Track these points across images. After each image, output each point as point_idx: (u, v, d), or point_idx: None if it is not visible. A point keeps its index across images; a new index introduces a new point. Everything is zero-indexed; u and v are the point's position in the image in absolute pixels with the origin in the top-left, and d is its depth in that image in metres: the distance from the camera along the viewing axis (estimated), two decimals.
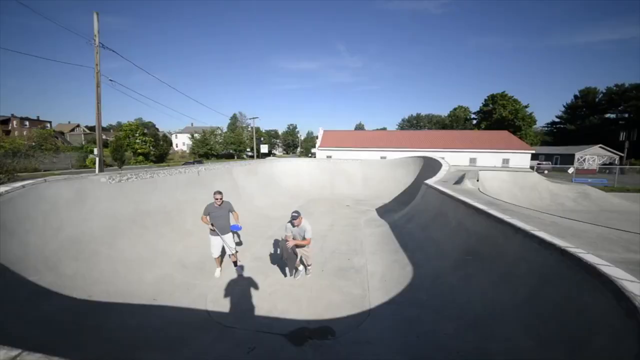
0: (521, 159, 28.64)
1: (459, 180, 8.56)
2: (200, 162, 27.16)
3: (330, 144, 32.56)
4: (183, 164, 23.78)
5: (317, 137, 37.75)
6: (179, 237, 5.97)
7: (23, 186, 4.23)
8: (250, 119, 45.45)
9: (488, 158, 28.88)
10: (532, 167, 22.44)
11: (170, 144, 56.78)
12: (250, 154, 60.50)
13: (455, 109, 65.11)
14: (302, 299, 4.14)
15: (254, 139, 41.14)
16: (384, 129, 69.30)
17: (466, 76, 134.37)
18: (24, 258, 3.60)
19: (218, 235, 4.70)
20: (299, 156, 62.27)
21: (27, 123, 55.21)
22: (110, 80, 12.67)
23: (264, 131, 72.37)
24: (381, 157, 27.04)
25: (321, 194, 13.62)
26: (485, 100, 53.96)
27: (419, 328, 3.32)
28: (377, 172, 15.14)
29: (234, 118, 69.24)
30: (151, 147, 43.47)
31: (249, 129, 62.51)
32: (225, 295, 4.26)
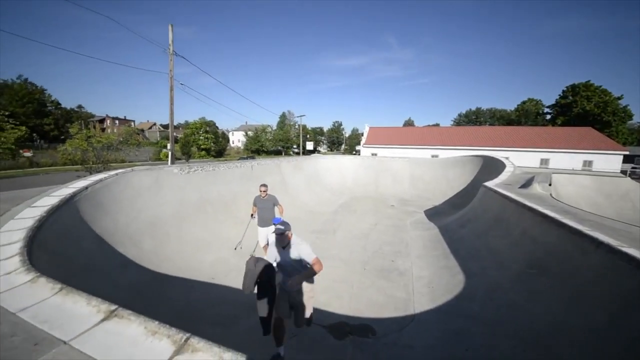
0: (609, 161, 23.78)
1: (526, 184, 7.57)
2: (252, 158, 29.27)
3: (376, 141, 31.69)
4: (238, 159, 25.92)
5: (362, 134, 37.14)
6: (233, 224, 6.56)
7: (116, 174, 5.15)
8: (297, 117, 47.03)
9: (564, 159, 24.69)
10: (624, 172, 18.48)
11: (228, 140, 62.26)
12: (296, 150, 62.63)
13: (524, 103, 57.19)
14: (343, 295, 4.19)
15: (300, 136, 42.44)
16: (437, 125, 64.61)
17: (539, 65, 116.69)
18: (114, 233, 4.39)
19: (263, 226, 4.94)
20: (343, 153, 62.23)
21: (117, 122, 66.19)
22: (181, 84, 14.40)
23: (309, 129, 74.01)
24: (432, 156, 25.35)
25: (365, 191, 13.45)
26: (564, 91, 46.21)
27: (468, 341, 3.09)
28: (427, 171, 14.27)
29: (283, 116, 72.29)
30: (212, 143, 48.18)
31: (296, 126, 64.64)
32: None
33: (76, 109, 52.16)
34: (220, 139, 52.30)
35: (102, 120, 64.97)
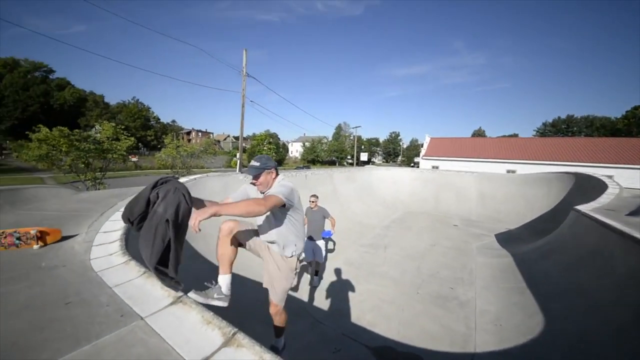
0: None
1: (638, 211, 5.96)
2: (308, 168, 30.60)
3: (438, 153, 29.42)
4: (295, 168, 27.40)
5: (421, 146, 34.96)
6: None
7: (195, 179, 6.00)
8: (352, 128, 47.35)
9: None
10: None
11: (287, 150, 66.45)
12: (350, 161, 62.65)
13: (635, 108, 45.77)
14: (392, 317, 3.94)
15: (355, 147, 42.41)
16: (515, 135, 56.51)
17: None
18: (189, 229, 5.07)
19: (311, 239, 4.71)
20: (400, 165, 59.47)
21: (200, 134, 77.46)
22: (251, 101, 16.13)
23: (364, 139, 73.39)
24: (508, 171, 22.25)
25: (422, 207, 12.52)
26: None
27: None
28: (500, 188, 12.53)
29: (338, 128, 73.69)
30: (274, 153, 52.20)
31: (351, 137, 64.94)
32: (319, 292, 4.58)
33: (170, 123, 63.12)
34: (281, 150, 56.23)
35: (189, 133, 76.88)
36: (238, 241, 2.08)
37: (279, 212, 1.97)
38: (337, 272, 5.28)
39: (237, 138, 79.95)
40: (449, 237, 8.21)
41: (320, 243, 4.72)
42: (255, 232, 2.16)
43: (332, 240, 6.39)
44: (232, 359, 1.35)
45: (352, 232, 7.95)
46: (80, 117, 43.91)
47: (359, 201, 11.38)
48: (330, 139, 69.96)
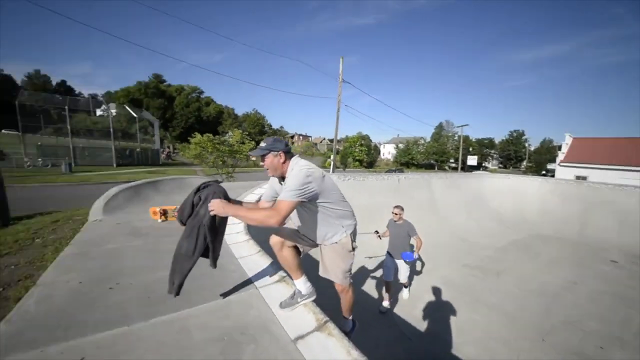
0: None
1: None
2: (401, 171, 29.02)
3: (584, 158, 22.01)
4: (386, 171, 26.58)
5: (558, 148, 26.94)
6: (373, 236, 6.82)
7: None
8: (457, 127, 41.64)
9: None
10: None
11: (379, 152, 65.28)
12: (453, 165, 55.41)
13: None
14: (499, 355, 3.30)
15: (460, 149, 37.11)
16: None
17: None
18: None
19: (392, 257, 4.15)
20: (525, 172, 48.10)
21: (301, 137, 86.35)
22: (345, 105, 16.80)
23: (473, 140, 63.10)
24: None
25: (559, 231, 9.65)
26: None
27: None
28: None
29: (439, 127, 66.47)
30: (365, 155, 52.42)
31: (455, 137, 57.31)
32: (409, 305, 4.33)
33: (279, 129, 72.91)
34: (372, 151, 55.68)
35: (292, 137, 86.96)
36: (293, 245, 1.96)
37: (305, 206, 1.78)
38: (434, 290, 4.80)
39: (331, 140, 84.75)
40: (603, 276, 6.04)
41: (399, 262, 4.09)
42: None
43: (420, 260, 5.81)
44: (322, 345, 1.50)
45: (452, 249, 7.05)
46: (219, 126, 56.94)
47: (463, 213, 9.95)
48: (428, 139, 64.12)
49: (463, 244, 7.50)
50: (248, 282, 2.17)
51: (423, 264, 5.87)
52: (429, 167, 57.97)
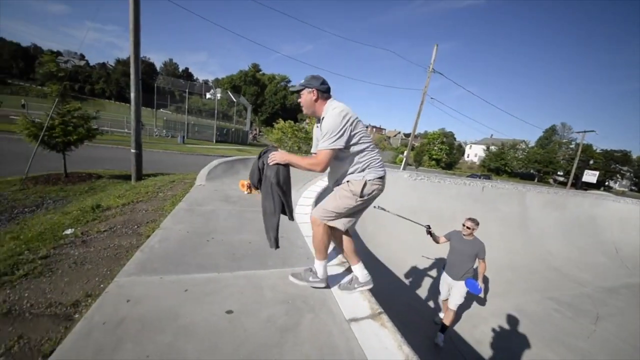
0: None
1: None
2: (487, 177, 25.12)
3: None
4: (468, 176, 23.53)
5: None
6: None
7: None
8: (576, 132, 32.90)
9: None
10: None
11: (462, 153, 57.95)
12: (561, 179, 44.86)
13: None
14: None
15: (575, 161, 29.53)
16: None
17: None
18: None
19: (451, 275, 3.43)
20: None
21: (374, 129, 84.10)
22: (431, 98, 15.41)
23: (598, 150, 49.22)
24: None
25: None
26: None
27: None
28: None
29: (550, 131, 54.27)
30: (445, 155, 47.39)
31: (572, 145, 45.92)
32: (468, 322, 3.94)
33: None
34: (455, 151, 49.81)
35: (367, 127, 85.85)
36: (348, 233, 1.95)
37: (340, 153, 1.69)
38: (503, 315, 4.22)
39: (407, 135, 79.48)
40: None
41: (460, 284, 3.30)
42: None
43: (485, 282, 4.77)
44: (375, 332, 1.56)
45: (537, 276, 5.91)
46: (299, 113, 60.62)
47: (562, 239, 8.12)
48: (532, 144, 53.31)
49: (553, 274, 6.19)
50: (311, 258, 2.38)
51: (488, 287, 5.14)
52: (527, 177, 48.55)
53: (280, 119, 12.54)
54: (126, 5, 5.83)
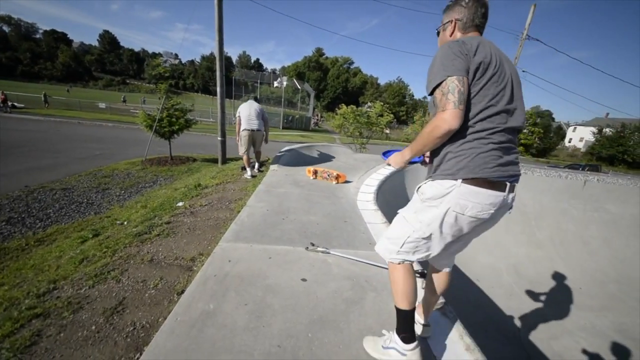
0: None
1: None
2: (595, 168, 20.07)
3: None
4: (566, 166, 19.27)
5: None
6: (524, 241, 5.57)
7: None
8: None
9: None
10: None
11: (562, 137, 47.46)
12: None
13: None
14: None
15: None
16: None
17: None
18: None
19: None
20: None
21: None
22: (523, 70, 13.01)
23: None
24: None
25: None
26: None
27: None
28: None
29: None
30: (537, 140, 39.66)
31: None
32: (546, 332, 3.52)
33: (422, 99, 66.89)
34: (552, 135, 41.17)
35: None
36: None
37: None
38: (602, 335, 3.61)
39: None
40: None
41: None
42: None
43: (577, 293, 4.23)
44: (436, 322, 1.63)
45: None
46: (361, 96, 59.03)
47: None
48: None
49: None
50: (373, 244, 2.52)
51: (574, 297, 4.37)
52: None
53: (342, 105, 12.55)
54: (208, 4, 6.65)
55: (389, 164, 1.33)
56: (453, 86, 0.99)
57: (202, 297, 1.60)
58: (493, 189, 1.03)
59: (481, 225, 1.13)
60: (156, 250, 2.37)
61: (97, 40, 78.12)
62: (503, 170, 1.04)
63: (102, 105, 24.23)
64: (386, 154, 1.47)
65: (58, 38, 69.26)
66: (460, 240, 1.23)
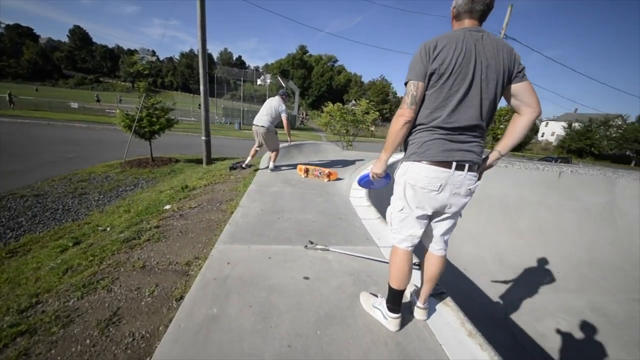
0: None
1: None
2: (566, 161, 21.37)
3: None
4: (541, 159, 20.41)
5: None
6: (506, 231, 5.84)
7: None
8: None
9: None
10: None
11: (536, 132, 50.07)
12: None
13: None
14: None
15: None
16: None
17: None
18: None
19: None
20: None
21: None
22: None
23: None
24: None
25: None
26: None
27: None
28: None
29: None
30: None
31: None
32: (530, 315, 3.72)
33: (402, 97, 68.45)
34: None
35: None
36: None
37: None
38: (579, 315, 3.86)
39: None
40: None
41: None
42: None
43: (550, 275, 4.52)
44: (438, 311, 1.68)
45: (624, 276, 5.08)
46: (345, 94, 59.23)
47: None
48: (631, 119, 43.34)
49: None
50: (370, 239, 2.55)
51: (554, 279, 4.68)
52: (621, 160, 40.10)
53: (329, 102, 12.54)
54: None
55: (372, 179, 1.53)
56: (409, 90, 1.22)
57: (204, 302, 1.56)
58: (438, 166, 1.24)
59: (437, 197, 1.28)
60: (147, 256, 2.27)
61: (67, 35, 73.25)
62: (447, 155, 1.23)
63: (75, 105, 22.84)
64: (362, 179, 1.70)
65: (23, 33, 64.33)
66: (435, 217, 1.41)
